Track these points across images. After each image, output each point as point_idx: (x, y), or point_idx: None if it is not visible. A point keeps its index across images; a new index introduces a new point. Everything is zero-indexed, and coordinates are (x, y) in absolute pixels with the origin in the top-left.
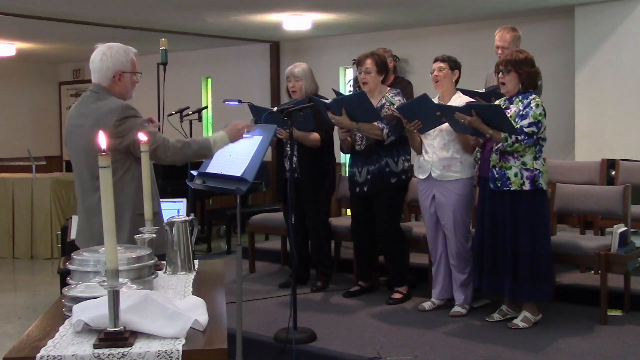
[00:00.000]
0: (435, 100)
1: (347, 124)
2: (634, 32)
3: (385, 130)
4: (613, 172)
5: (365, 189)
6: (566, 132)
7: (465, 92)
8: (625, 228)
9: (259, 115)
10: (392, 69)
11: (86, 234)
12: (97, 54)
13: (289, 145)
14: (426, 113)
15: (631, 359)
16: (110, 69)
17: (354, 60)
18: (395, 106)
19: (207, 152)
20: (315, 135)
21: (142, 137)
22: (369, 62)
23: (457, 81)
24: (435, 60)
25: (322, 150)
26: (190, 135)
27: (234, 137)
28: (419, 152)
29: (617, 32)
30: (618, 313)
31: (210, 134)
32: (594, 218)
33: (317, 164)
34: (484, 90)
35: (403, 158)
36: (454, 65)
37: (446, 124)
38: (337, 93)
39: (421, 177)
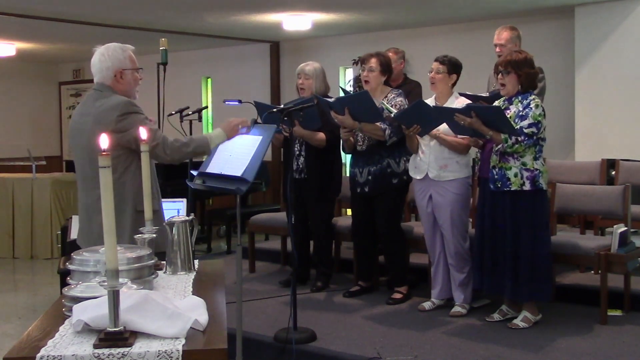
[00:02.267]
0: (432, 101)
1: (349, 124)
2: (634, 32)
3: (388, 131)
4: (613, 172)
5: (367, 189)
6: (566, 132)
7: (469, 96)
8: (625, 228)
9: (260, 114)
10: (402, 70)
11: (86, 232)
12: (96, 55)
13: (297, 145)
14: (424, 117)
15: (631, 359)
16: (110, 68)
17: (354, 60)
18: (392, 114)
19: (205, 149)
20: (322, 135)
21: (142, 134)
22: (373, 61)
23: (454, 84)
24: (436, 60)
25: (329, 151)
26: (190, 134)
27: (231, 133)
28: (416, 153)
29: (617, 32)
30: (618, 313)
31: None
32: (594, 218)
33: (323, 165)
34: (487, 94)
35: (405, 158)
36: (452, 69)
37: (443, 125)
38: (345, 91)
39: (418, 177)
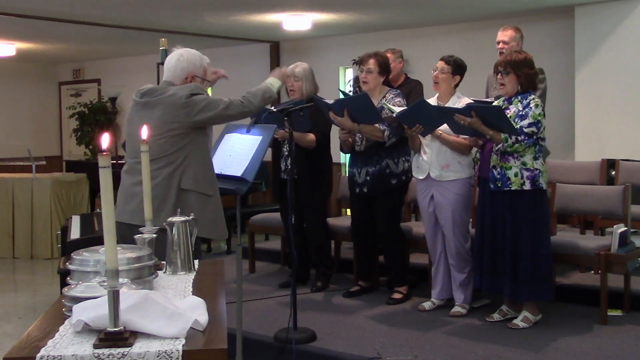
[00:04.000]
0: (434, 101)
1: (348, 125)
2: (634, 32)
3: (387, 132)
4: (613, 172)
5: (365, 190)
6: (566, 132)
7: (475, 102)
8: (625, 228)
9: (259, 114)
10: (402, 70)
11: (121, 210)
12: (174, 54)
13: (285, 146)
14: (427, 116)
15: (631, 359)
16: (185, 70)
17: (354, 60)
18: (394, 114)
19: (271, 94)
20: (311, 137)
21: (143, 134)
22: (371, 62)
23: (457, 85)
24: (441, 59)
25: (317, 152)
26: None
27: (283, 79)
28: (418, 152)
29: (617, 32)
30: (618, 313)
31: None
32: (594, 218)
33: (312, 165)
34: (491, 99)
35: (403, 159)
36: (456, 70)
37: (444, 125)
38: (344, 93)
39: (420, 177)
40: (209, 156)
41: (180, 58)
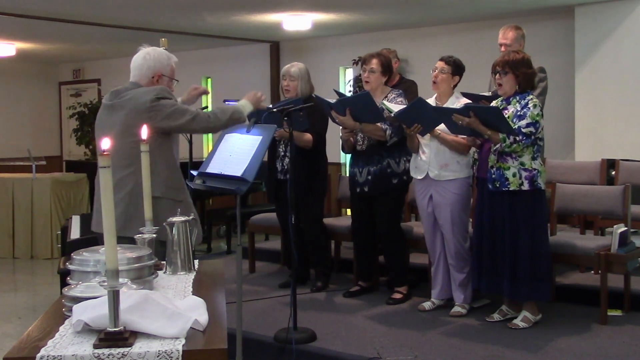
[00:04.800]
0: (432, 101)
1: (350, 125)
2: (634, 32)
3: (389, 132)
4: (613, 172)
5: (366, 189)
6: (566, 132)
7: (471, 96)
8: (625, 228)
9: (259, 115)
10: (397, 70)
11: (97, 219)
12: (140, 53)
13: (282, 146)
14: (425, 116)
15: (631, 359)
16: (151, 68)
17: (354, 60)
18: (393, 113)
19: (240, 115)
20: (308, 136)
21: (143, 134)
22: (374, 62)
23: (455, 86)
24: (441, 59)
25: (313, 152)
26: (190, 138)
27: (256, 104)
28: (417, 152)
29: (617, 32)
30: (618, 313)
31: (209, 135)
32: (594, 218)
33: (308, 165)
34: (489, 93)
35: (404, 158)
36: (455, 70)
37: (443, 125)
38: (339, 94)
39: (418, 177)
40: (176, 161)
41: (146, 57)
